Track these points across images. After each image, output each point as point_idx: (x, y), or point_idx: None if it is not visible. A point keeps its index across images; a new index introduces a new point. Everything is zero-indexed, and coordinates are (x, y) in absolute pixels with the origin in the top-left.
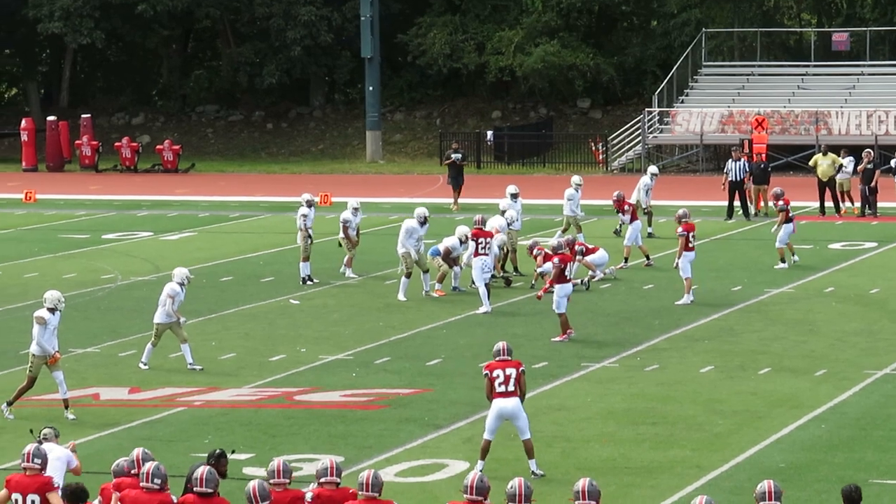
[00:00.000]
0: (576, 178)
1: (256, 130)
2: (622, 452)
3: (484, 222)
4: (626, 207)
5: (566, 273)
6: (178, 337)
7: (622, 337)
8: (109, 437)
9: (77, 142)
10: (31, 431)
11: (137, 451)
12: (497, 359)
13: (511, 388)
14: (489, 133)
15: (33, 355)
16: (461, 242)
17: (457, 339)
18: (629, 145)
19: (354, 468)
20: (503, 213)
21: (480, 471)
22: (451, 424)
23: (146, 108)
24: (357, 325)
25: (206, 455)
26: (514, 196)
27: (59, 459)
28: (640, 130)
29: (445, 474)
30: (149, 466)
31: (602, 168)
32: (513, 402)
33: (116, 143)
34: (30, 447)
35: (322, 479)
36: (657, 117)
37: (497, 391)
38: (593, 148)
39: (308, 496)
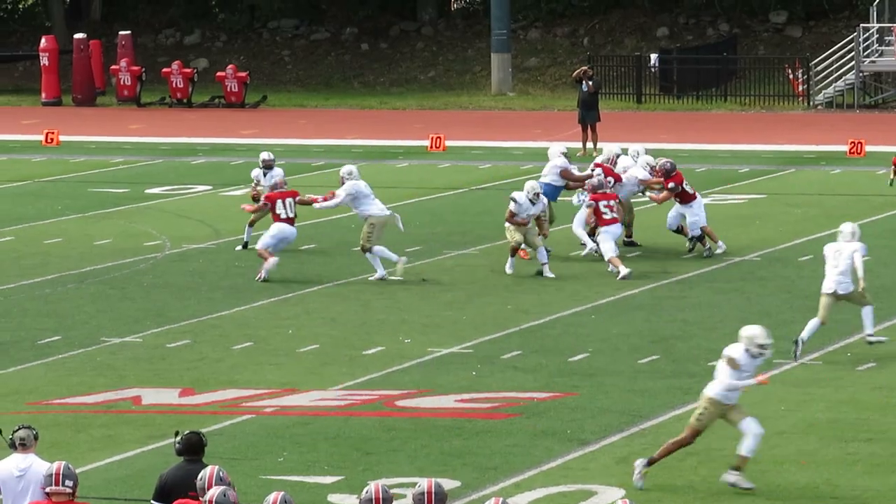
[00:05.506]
0: None
1: (347, 53)
2: (826, 478)
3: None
4: None
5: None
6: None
7: (827, 325)
8: (153, 455)
9: (113, 67)
10: (0, 432)
11: (211, 470)
12: None
13: None
14: (653, 57)
15: None
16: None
17: (608, 328)
18: (838, 73)
19: (474, 496)
20: None
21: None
22: (602, 439)
23: (203, 24)
24: (478, 308)
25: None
26: None
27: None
28: (853, 53)
29: None
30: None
31: (802, 103)
32: None
33: (164, 70)
34: (57, 465)
35: None
36: (875, 36)
37: None
38: (791, 76)
39: None
